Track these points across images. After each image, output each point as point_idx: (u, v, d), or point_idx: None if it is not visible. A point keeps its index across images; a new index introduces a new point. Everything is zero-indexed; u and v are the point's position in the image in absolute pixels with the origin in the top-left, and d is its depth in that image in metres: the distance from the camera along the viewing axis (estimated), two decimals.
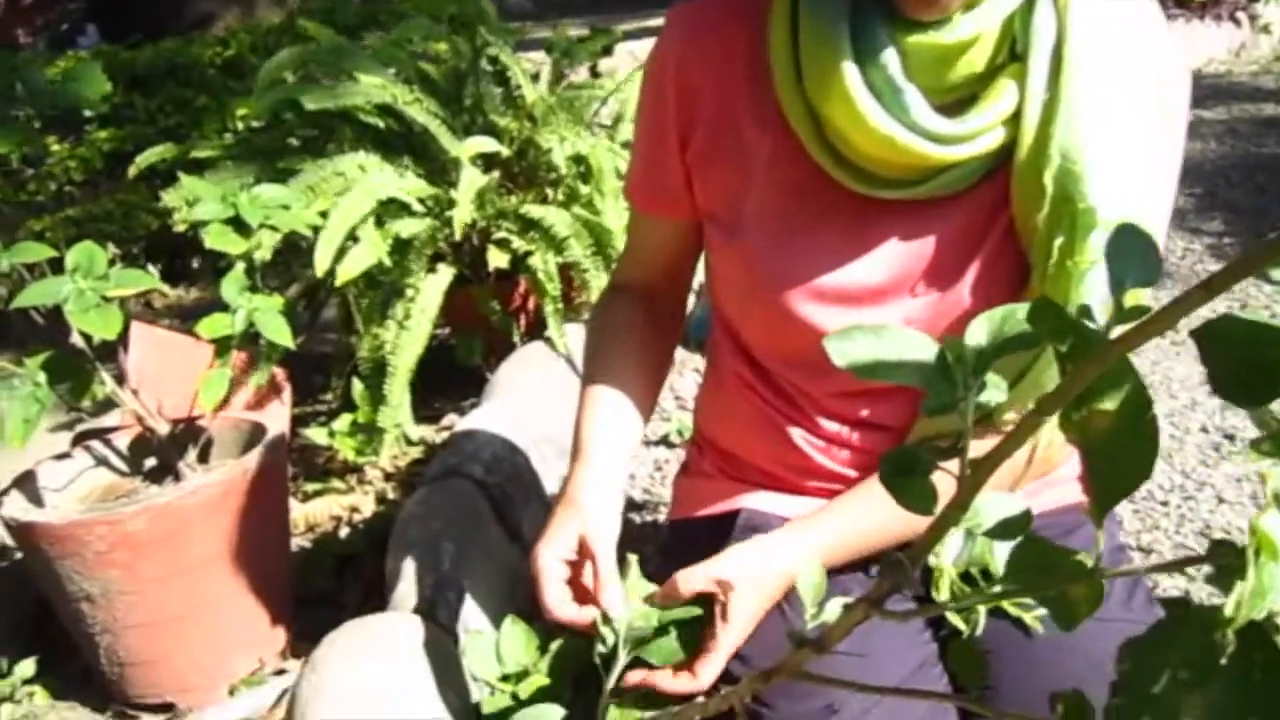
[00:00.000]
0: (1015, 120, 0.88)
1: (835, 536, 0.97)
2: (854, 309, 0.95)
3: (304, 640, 1.60)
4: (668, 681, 0.94)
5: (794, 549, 0.96)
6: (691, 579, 0.96)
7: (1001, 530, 0.58)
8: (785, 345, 1.01)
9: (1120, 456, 0.48)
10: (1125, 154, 0.87)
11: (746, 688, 0.70)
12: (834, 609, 0.67)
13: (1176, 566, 0.50)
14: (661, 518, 1.78)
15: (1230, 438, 1.96)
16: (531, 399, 1.87)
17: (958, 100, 0.88)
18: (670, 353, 1.18)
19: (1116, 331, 0.42)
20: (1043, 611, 1.01)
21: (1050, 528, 1.07)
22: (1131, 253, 0.47)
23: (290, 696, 1.12)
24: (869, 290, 0.94)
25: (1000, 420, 0.96)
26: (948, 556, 1.04)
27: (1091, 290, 0.87)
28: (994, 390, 0.55)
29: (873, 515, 0.97)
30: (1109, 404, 0.47)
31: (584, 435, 1.04)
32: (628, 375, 1.09)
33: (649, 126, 1.05)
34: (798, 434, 1.05)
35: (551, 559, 0.96)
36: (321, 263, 1.75)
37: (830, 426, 1.03)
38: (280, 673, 1.57)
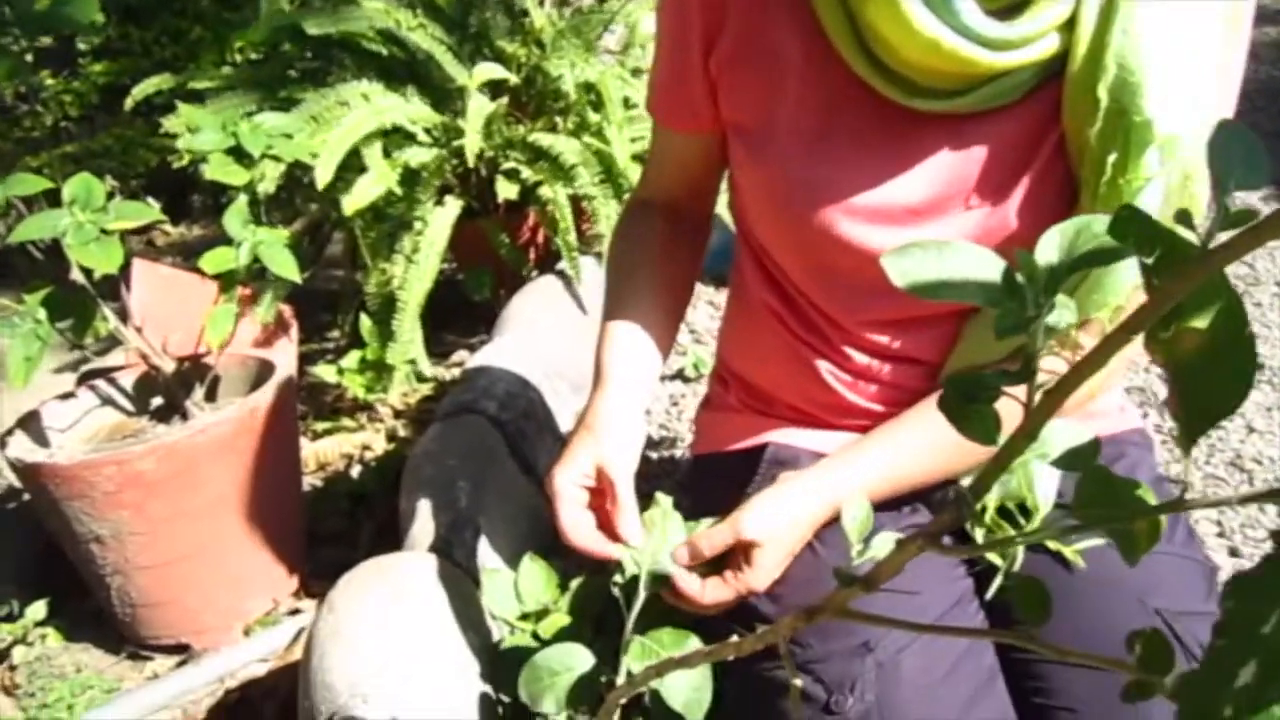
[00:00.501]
0: (1069, 26, 0.82)
1: (869, 476, 0.93)
2: (891, 228, 0.90)
3: (318, 580, 1.58)
4: (684, 580, 0.92)
5: (823, 493, 0.93)
6: (714, 538, 0.92)
7: (1070, 460, 0.54)
8: (817, 269, 0.97)
9: (1213, 378, 0.44)
10: (1188, 65, 0.81)
11: (788, 627, 0.66)
12: (882, 545, 0.63)
13: (1272, 498, 0.46)
14: (679, 453, 1.75)
15: (1260, 366, 1.92)
16: (544, 333, 1.83)
17: (1009, 3, 0.82)
18: (695, 271, 1.13)
19: (1217, 240, 0.38)
20: (1083, 545, 0.98)
21: None
22: (1234, 151, 0.42)
23: (307, 637, 1.10)
24: (907, 209, 0.89)
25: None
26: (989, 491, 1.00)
27: (1146, 210, 0.82)
28: (1064, 310, 0.51)
29: (908, 452, 0.94)
30: (1201, 322, 0.43)
31: (604, 361, 1.00)
32: (650, 297, 1.05)
33: (671, 33, 0.99)
34: (826, 368, 1.01)
35: (568, 483, 0.93)
36: (323, 178, 1.69)
37: (860, 360, 0.99)
38: (295, 613, 1.55)
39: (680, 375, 2.01)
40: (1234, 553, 1.46)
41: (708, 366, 2.00)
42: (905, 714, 0.84)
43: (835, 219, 0.91)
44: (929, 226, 0.90)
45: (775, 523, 0.91)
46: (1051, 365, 0.48)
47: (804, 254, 0.97)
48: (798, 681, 0.69)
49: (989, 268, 0.50)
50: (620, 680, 0.98)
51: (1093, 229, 0.49)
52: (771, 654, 0.92)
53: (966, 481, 1.01)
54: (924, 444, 0.93)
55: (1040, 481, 0.99)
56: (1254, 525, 1.48)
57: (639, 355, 1.01)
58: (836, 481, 0.93)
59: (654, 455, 1.74)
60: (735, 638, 0.76)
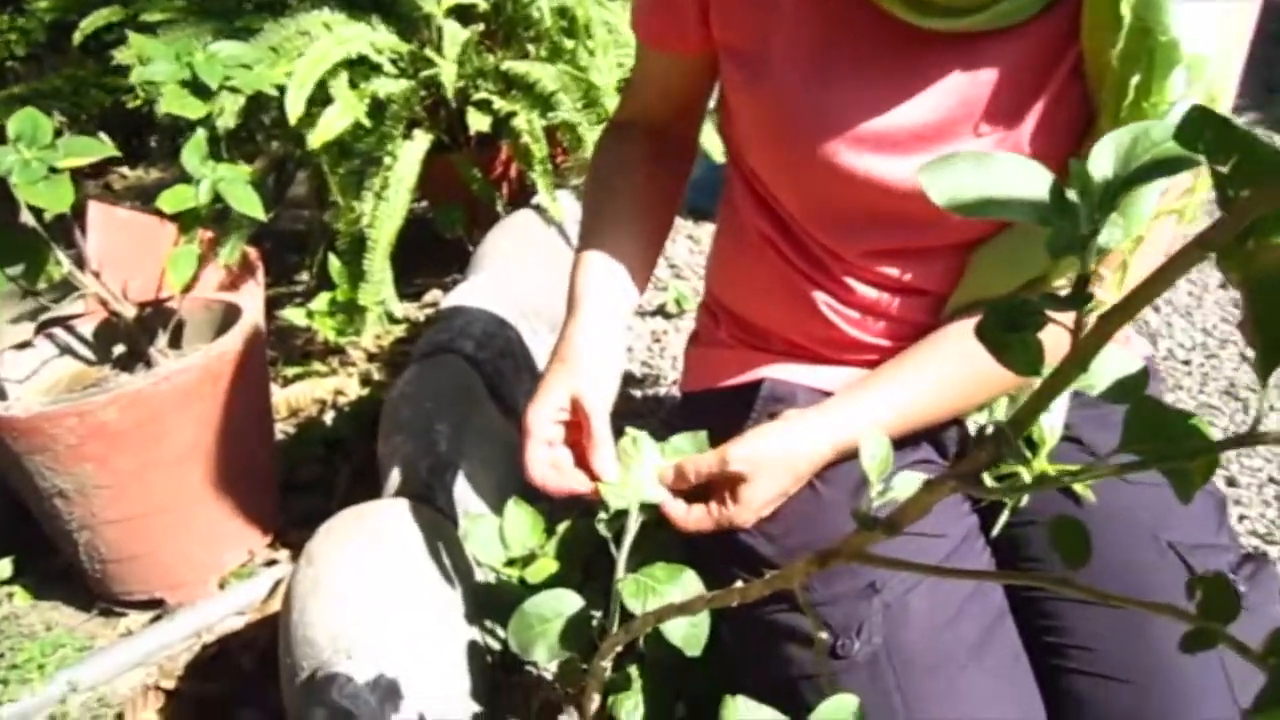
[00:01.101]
0: None
1: (876, 415, 0.89)
2: (899, 155, 0.85)
3: (294, 530, 1.53)
4: (669, 502, 0.91)
5: (826, 432, 0.89)
6: (701, 464, 0.89)
7: (1119, 391, 0.50)
8: (817, 198, 0.91)
9: None
10: None
11: (803, 572, 0.62)
12: (906, 486, 0.59)
13: None
14: (663, 391, 1.71)
15: None
16: (520, 270, 1.77)
17: None
18: (677, 198, 1.08)
19: None
20: (1091, 479, 0.95)
21: None
22: None
23: (285, 591, 1.05)
24: (914, 134, 0.84)
25: (1049, 287, 0.88)
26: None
27: None
28: (1116, 228, 0.46)
29: (918, 390, 0.89)
30: None
31: (579, 289, 0.95)
32: (630, 223, 1.00)
33: None
34: (824, 301, 0.97)
35: (540, 419, 0.89)
36: (294, 110, 1.61)
37: (862, 292, 0.95)
38: (271, 564, 1.51)
39: (661, 311, 1.96)
40: (1231, 482, 1.44)
41: (690, 302, 1.95)
42: (914, 656, 0.81)
43: (836, 147, 0.86)
44: (937, 154, 0.85)
45: (766, 458, 0.87)
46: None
47: (802, 183, 0.92)
48: (823, 635, 0.65)
49: (1036, 181, 0.45)
50: (614, 621, 0.95)
51: (1152, 136, 0.44)
52: (773, 598, 0.89)
53: (980, 418, 0.98)
54: (934, 381, 0.89)
55: (1046, 414, 0.95)
56: (1250, 455, 1.46)
57: (616, 282, 0.96)
58: (841, 421, 0.89)
59: (637, 394, 1.69)
60: (740, 583, 0.73)
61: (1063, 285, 0.87)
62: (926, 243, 0.91)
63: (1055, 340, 0.42)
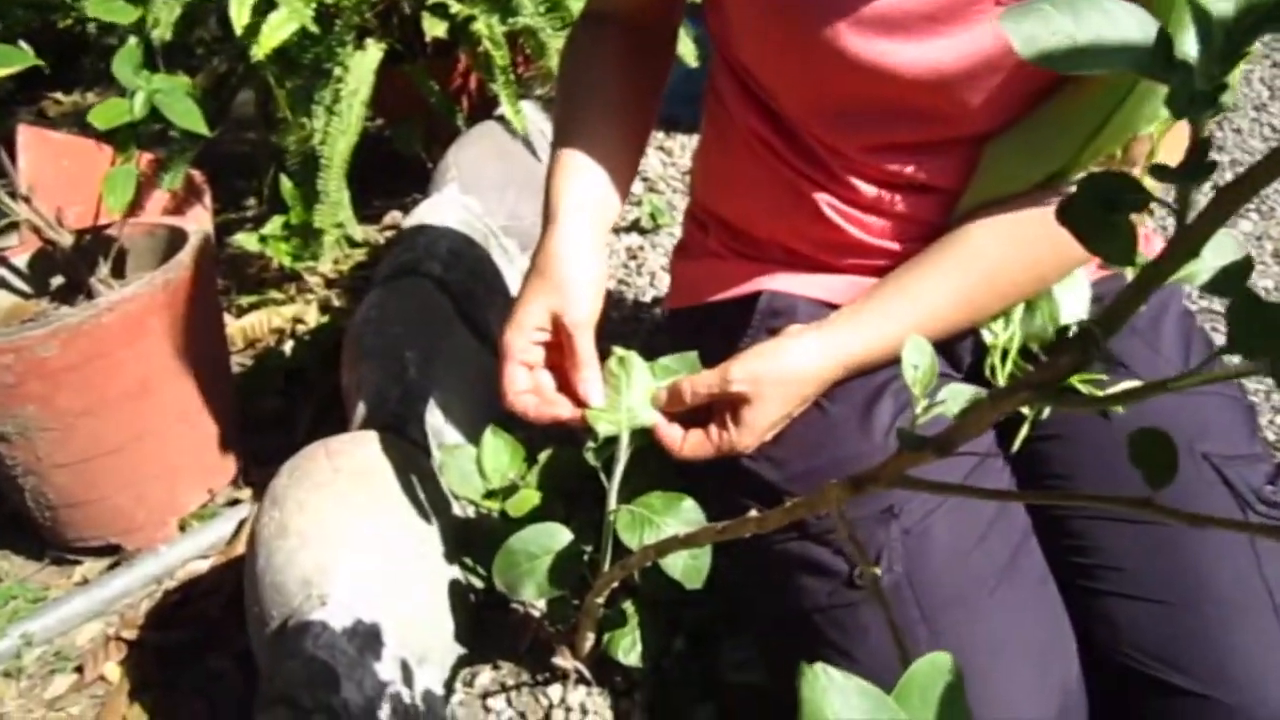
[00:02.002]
0: None
1: (889, 329, 0.82)
2: (908, 40, 0.76)
3: (256, 467, 1.45)
4: (663, 427, 0.84)
5: (836, 348, 0.81)
6: (699, 383, 0.82)
7: (1222, 280, 0.42)
8: (819, 88, 0.83)
9: None
10: None
11: (834, 499, 0.55)
12: (956, 399, 0.52)
13: None
14: (643, 312, 1.63)
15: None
16: (486, 187, 1.67)
17: None
18: (658, 94, 0.98)
19: None
20: (1119, 388, 0.88)
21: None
22: None
23: (249, 536, 0.98)
24: (924, 15, 0.75)
25: (1072, 178, 0.80)
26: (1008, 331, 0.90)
27: None
28: (1232, 92, 0.38)
29: (935, 300, 0.82)
30: None
31: (556, 194, 0.86)
32: (609, 121, 0.91)
33: None
34: (826, 201, 0.89)
35: (518, 340, 0.81)
36: (239, 18, 1.49)
37: (867, 191, 0.87)
38: (234, 503, 1.42)
39: (636, 227, 1.86)
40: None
41: (665, 216, 1.86)
42: (938, 585, 0.75)
43: (840, 29, 0.77)
44: (950, 36, 0.76)
45: (770, 377, 0.80)
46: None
47: (802, 73, 0.83)
48: (875, 569, 0.58)
49: (1139, 26, 0.37)
50: (606, 556, 0.88)
51: None
52: (785, 526, 0.82)
53: (997, 327, 0.90)
54: (950, 289, 0.82)
55: (1067, 318, 0.89)
56: None
57: (597, 188, 0.88)
58: (851, 336, 0.81)
59: (615, 314, 1.61)
60: (754, 512, 0.65)
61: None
62: (937, 135, 0.83)
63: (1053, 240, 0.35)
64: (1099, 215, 0.41)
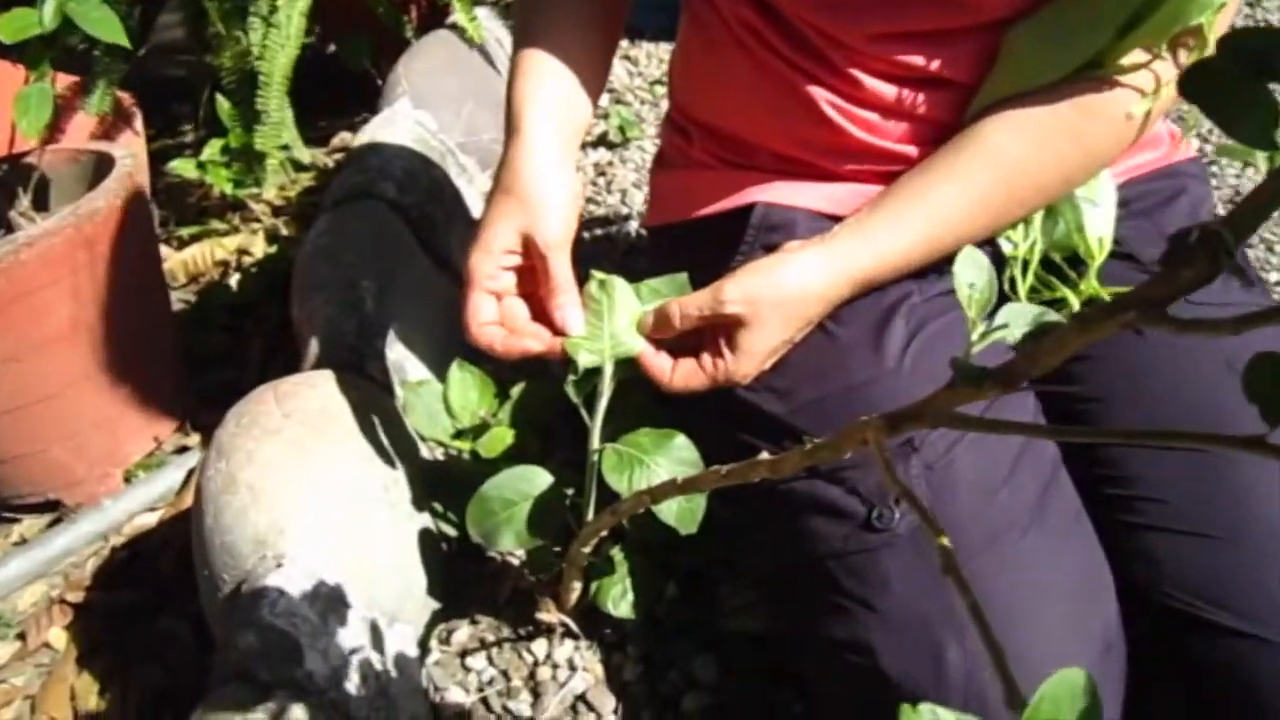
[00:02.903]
0: None
1: (900, 243, 0.73)
2: None
3: (204, 411, 1.35)
4: (649, 357, 0.76)
5: (843, 265, 0.73)
6: (689, 306, 0.73)
7: None
8: None
9: None
10: None
11: (866, 437, 0.46)
12: (1020, 321, 0.43)
13: None
14: (615, 230, 1.53)
15: None
16: (442, 102, 1.55)
17: None
18: None
19: None
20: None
21: (1154, 194, 0.85)
22: None
23: (195, 492, 0.88)
24: None
25: (1114, 67, 0.71)
26: (1029, 239, 0.81)
27: None
28: None
29: (950, 210, 0.73)
30: None
31: (520, 102, 0.77)
32: (576, 19, 0.81)
33: None
34: (824, 98, 0.79)
35: (485, 265, 0.73)
36: None
37: (872, 86, 0.77)
38: (182, 450, 1.32)
39: (604, 141, 1.75)
40: None
41: (635, 129, 1.74)
42: (965, 525, 0.67)
43: None
44: None
45: (770, 298, 0.71)
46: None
47: None
48: (898, 514, 0.50)
49: None
50: (590, 500, 0.80)
51: None
52: None
53: (1016, 236, 0.82)
54: (967, 195, 0.73)
55: (1093, 225, 0.80)
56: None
57: (564, 91, 0.78)
58: (859, 249, 0.73)
59: (584, 235, 1.51)
60: (765, 454, 0.57)
61: (1127, 69, 0.71)
62: (951, 22, 0.74)
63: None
64: (1239, 84, 0.32)
